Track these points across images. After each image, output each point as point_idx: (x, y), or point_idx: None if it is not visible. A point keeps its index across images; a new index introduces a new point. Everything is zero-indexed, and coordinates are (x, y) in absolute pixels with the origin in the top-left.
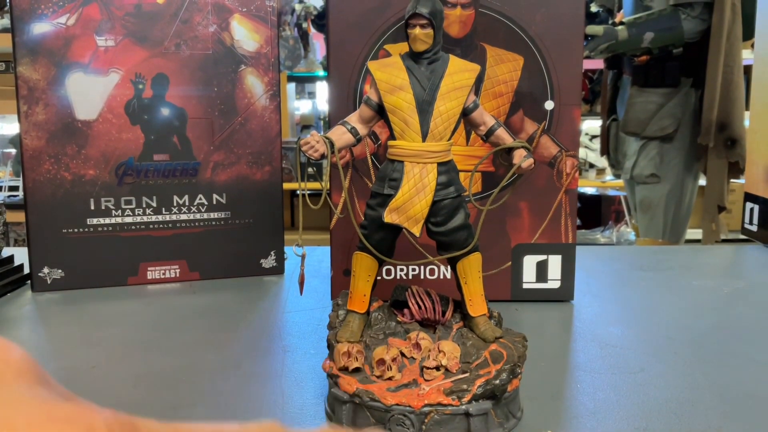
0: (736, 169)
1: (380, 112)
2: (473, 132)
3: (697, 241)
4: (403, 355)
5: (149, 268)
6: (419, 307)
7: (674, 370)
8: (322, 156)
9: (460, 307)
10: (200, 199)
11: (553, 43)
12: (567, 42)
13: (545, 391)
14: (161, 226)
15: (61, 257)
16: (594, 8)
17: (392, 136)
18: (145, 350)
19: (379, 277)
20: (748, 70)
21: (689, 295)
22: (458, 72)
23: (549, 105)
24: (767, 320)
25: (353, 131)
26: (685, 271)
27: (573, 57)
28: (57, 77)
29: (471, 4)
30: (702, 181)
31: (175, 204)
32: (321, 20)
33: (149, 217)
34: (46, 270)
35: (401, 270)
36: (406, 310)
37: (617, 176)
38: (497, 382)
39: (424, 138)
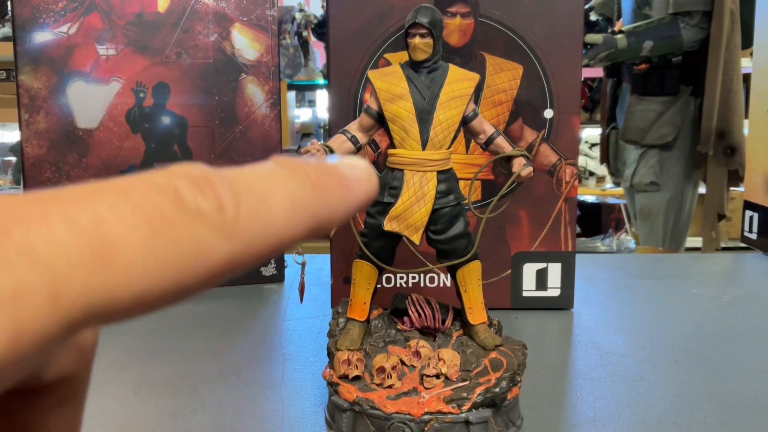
0: (736, 177)
1: (380, 120)
2: (473, 140)
3: (697, 249)
4: (403, 363)
5: None
6: (419, 315)
7: (674, 379)
8: None
9: (459, 315)
10: None
11: (552, 52)
12: (566, 51)
13: (545, 399)
14: None
15: None
16: (593, 17)
17: (392, 145)
18: (145, 358)
19: (379, 285)
20: (747, 78)
21: (689, 303)
22: (458, 81)
23: (548, 113)
24: (767, 328)
25: (353, 139)
26: (684, 279)
27: (572, 65)
28: (58, 86)
29: (471, 14)
30: (702, 189)
31: None
32: (321, 29)
33: None
34: None
35: (401, 278)
36: (406, 318)
37: (617, 184)
38: (497, 390)
39: (423, 146)
